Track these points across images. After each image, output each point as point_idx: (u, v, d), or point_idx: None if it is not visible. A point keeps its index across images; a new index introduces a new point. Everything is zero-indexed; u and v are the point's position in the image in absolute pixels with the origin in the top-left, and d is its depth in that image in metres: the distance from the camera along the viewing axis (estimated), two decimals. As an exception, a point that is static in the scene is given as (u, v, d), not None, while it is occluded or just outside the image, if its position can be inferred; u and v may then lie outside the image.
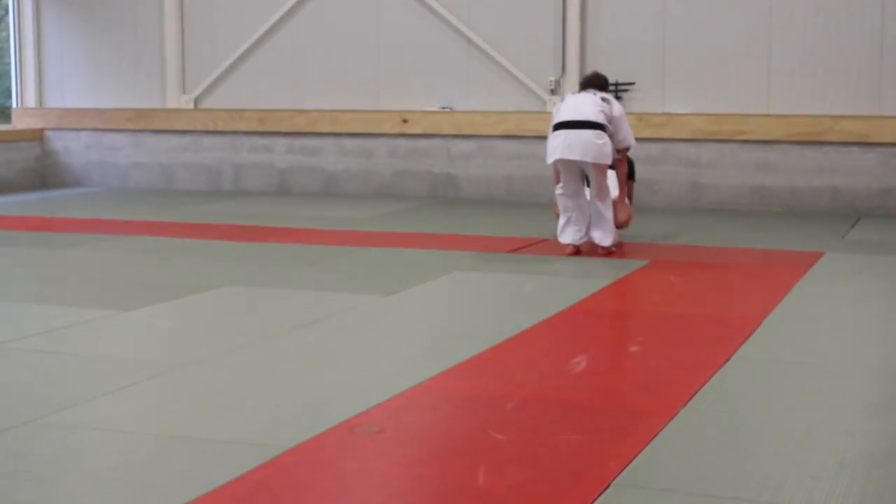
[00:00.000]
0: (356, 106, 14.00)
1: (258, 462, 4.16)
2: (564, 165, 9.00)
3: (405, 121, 13.66)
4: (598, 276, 8.16)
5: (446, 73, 13.67)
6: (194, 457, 4.26)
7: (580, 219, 9.18)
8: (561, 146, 8.90)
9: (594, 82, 9.44)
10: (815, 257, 8.96)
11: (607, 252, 9.12)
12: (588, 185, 9.19)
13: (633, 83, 12.83)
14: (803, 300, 7.34)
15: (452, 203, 13.13)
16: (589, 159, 8.83)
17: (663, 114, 12.64)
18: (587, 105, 9.02)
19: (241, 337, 6.25)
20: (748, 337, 6.23)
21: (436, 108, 13.65)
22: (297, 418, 4.73)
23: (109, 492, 3.90)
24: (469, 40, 13.50)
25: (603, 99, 9.09)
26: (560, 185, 9.16)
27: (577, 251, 9.18)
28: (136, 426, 4.65)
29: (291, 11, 14.24)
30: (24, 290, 7.89)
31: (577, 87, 12.87)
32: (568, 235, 9.23)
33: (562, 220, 9.26)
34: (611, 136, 8.98)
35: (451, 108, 13.60)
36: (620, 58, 12.89)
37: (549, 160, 9.05)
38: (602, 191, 9.05)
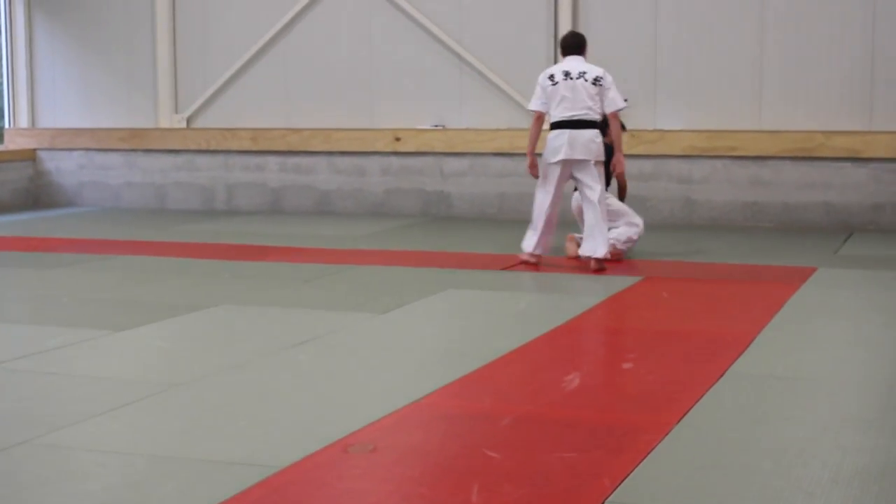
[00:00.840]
0: (349, 124, 14.02)
1: (252, 482, 4.15)
2: (562, 166, 9.14)
3: (398, 139, 13.68)
4: (591, 293, 8.16)
5: (438, 92, 13.69)
6: (188, 477, 4.25)
7: (547, 228, 9.34)
8: (565, 146, 9.07)
9: (574, 46, 9.53)
10: (807, 273, 8.97)
11: (599, 268, 9.08)
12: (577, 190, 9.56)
13: (624, 100, 12.82)
14: (796, 315, 7.35)
15: (445, 221, 13.14)
16: (591, 158, 9.15)
17: (655, 130, 12.66)
18: (583, 96, 9.20)
19: (234, 356, 6.25)
20: (741, 353, 6.23)
21: (428, 126, 13.67)
22: (291, 437, 4.73)
23: (103, 513, 3.89)
24: (461, 58, 13.53)
25: (595, 81, 9.24)
26: (545, 188, 9.28)
27: (537, 261, 9.40)
28: (130, 447, 4.64)
29: (284, 30, 14.26)
30: (17, 310, 7.88)
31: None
32: (529, 243, 9.45)
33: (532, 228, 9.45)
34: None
35: (443, 126, 13.62)
36: (612, 74, 12.83)
37: (554, 159, 9.18)
38: (598, 190, 9.13)
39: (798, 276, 8.79)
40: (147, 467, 4.37)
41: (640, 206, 12.40)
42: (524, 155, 12.90)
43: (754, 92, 12.48)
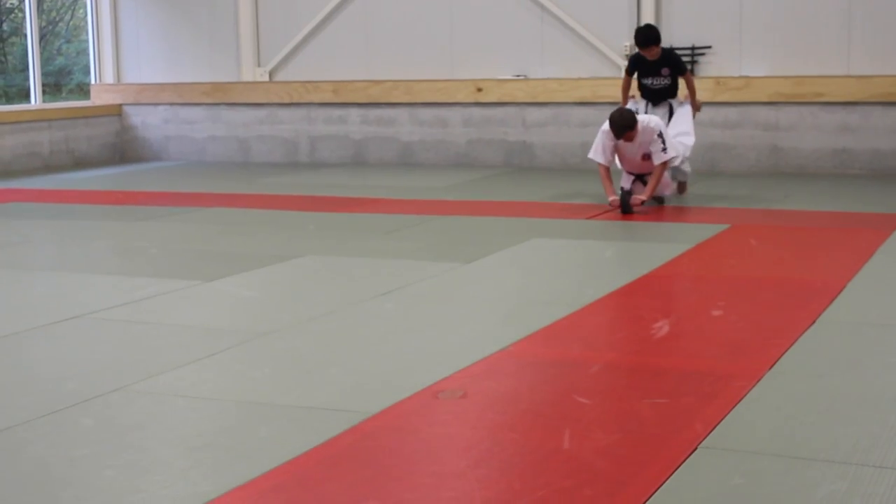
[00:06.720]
0: (430, 75, 13.98)
1: (343, 428, 4.17)
2: None
3: (479, 89, 13.62)
4: (678, 241, 8.08)
5: (520, 41, 13.59)
6: (280, 423, 4.29)
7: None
8: None
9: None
10: (899, 219, 8.82)
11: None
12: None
13: (709, 47, 12.66)
14: (888, 262, 7.22)
15: (528, 171, 13.09)
16: None
17: (741, 77, 12.47)
18: None
19: (322, 305, 6.28)
20: (833, 300, 6.14)
21: (510, 76, 13.59)
22: (381, 384, 4.75)
23: (198, 457, 3.94)
24: (542, 7, 13.40)
25: None
26: None
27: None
28: (222, 393, 4.69)
29: (364, -18, 14.24)
30: (108, 262, 8.00)
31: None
32: None
33: None
34: None
35: (525, 76, 13.53)
36: (696, 21, 12.73)
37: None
38: None
39: (889, 223, 8.63)
40: (239, 413, 4.42)
41: (725, 154, 12.26)
42: (607, 104, 12.86)
43: (842, 36, 12.22)
